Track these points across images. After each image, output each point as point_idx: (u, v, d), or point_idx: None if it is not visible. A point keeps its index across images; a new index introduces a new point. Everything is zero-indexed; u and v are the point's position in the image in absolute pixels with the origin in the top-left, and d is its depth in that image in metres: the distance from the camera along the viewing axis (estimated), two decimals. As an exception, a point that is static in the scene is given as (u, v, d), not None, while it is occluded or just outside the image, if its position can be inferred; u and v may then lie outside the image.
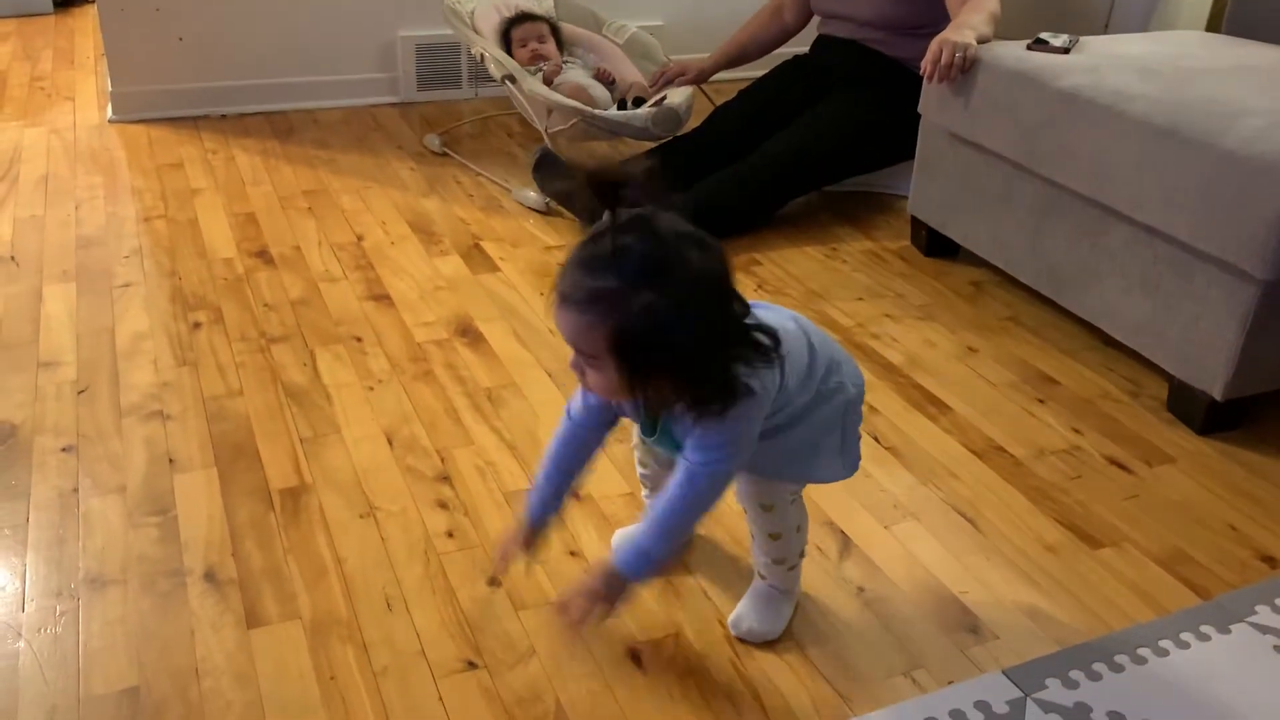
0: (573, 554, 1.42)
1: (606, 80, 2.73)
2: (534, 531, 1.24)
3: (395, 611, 1.31)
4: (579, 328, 1.04)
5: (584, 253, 1.03)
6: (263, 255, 2.21)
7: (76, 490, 1.51)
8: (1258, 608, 1.36)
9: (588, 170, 1.02)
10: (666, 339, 1.02)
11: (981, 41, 2.08)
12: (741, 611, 1.30)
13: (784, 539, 1.26)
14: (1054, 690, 1.22)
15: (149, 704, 1.17)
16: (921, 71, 2.10)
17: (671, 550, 1.16)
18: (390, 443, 1.63)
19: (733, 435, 1.11)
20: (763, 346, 1.08)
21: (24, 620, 1.28)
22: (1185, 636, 1.31)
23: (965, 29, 2.10)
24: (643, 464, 1.39)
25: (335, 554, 1.40)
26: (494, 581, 1.37)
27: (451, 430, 1.67)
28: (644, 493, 1.43)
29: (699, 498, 1.13)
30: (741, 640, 1.29)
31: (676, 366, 1.04)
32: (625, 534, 1.42)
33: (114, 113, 2.96)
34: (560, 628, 1.19)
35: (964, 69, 2.04)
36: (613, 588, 1.14)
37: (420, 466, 1.58)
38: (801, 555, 1.31)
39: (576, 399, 1.23)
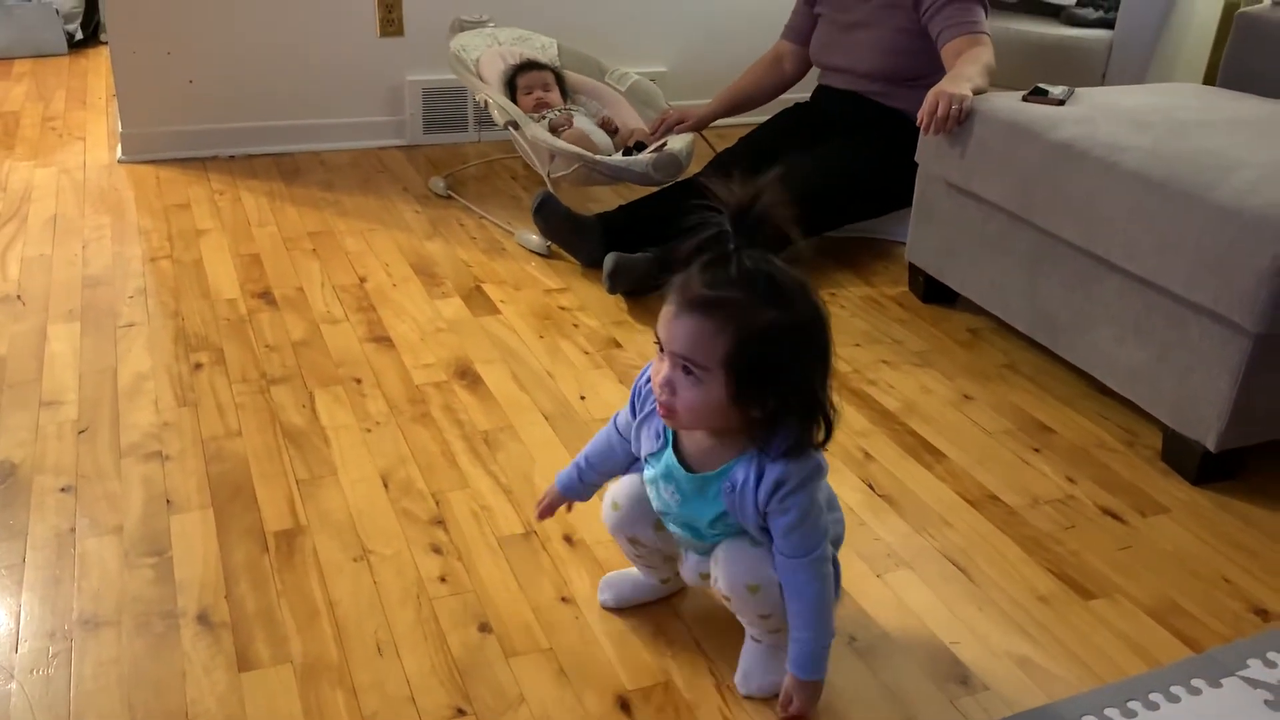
0: (564, 600, 1.42)
1: (610, 129, 2.76)
2: (561, 500, 1.38)
3: (386, 656, 1.31)
4: (699, 334, 1.07)
5: (710, 268, 1.08)
6: (266, 296, 2.24)
7: (74, 530, 1.52)
8: (1249, 661, 1.35)
9: (731, 204, 1.06)
10: (783, 358, 1.07)
11: (977, 93, 2.11)
12: (747, 670, 1.29)
13: (775, 616, 1.23)
14: (1044, 743, 1.22)
15: (138, 747, 1.18)
16: (918, 123, 2.13)
17: (832, 629, 1.21)
18: (386, 485, 1.64)
19: (810, 507, 1.15)
20: (835, 411, 1.13)
21: (16, 661, 1.29)
22: (1176, 690, 1.30)
23: (961, 80, 2.13)
24: (638, 555, 1.36)
25: (328, 597, 1.41)
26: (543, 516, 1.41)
27: (447, 473, 1.68)
28: (638, 569, 1.42)
29: (824, 580, 1.18)
30: (749, 698, 1.27)
31: (786, 387, 1.08)
32: (615, 578, 1.42)
33: (124, 153, 3.00)
34: None
35: (960, 120, 2.07)
36: (814, 694, 1.22)
37: (415, 509, 1.59)
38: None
39: (623, 414, 1.29)
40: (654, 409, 1.21)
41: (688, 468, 1.20)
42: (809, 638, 1.19)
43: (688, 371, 1.09)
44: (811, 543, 1.17)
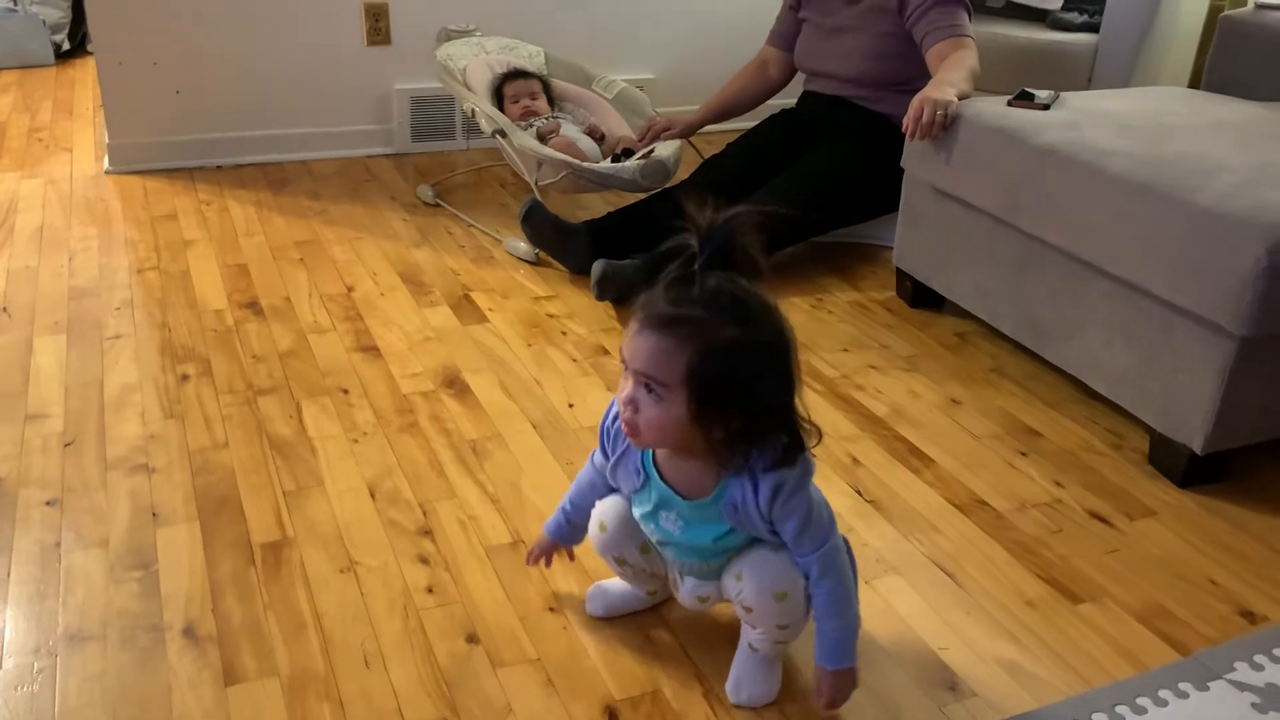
0: (552, 609, 1.42)
1: (596, 136, 2.76)
2: (554, 546, 1.41)
3: (373, 668, 1.31)
4: (659, 351, 1.07)
5: (673, 286, 1.08)
6: (253, 307, 2.23)
7: (59, 544, 1.51)
8: (1236, 664, 1.36)
9: (702, 226, 1.08)
10: (744, 377, 1.07)
11: (962, 98, 2.12)
12: (738, 679, 1.28)
13: (793, 627, 1.23)
14: (1032, 749, 1.22)
15: (123, 763, 1.17)
16: (904, 128, 2.13)
17: (858, 615, 1.22)
18: (373, 495, 1.64)
19: (811, 504, 1.16)
20: (805, 427, 1.14)
21: (1, 678, 1.28)
22: (1164, 694, 1.30)
23: (946, 86, 2.14)
24: (620, 562, 1.34)
25: (315, 609, 1.40)
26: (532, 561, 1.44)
27: (435, 483, 1.68)
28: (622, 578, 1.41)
29: (842, 573, 1.19)
30: (740, 707, 1.27)
31: (748, 406, 1.08)
32: (603, 587, 1.42)
33: (110, 164, 2.99)
34: None
35: (945, 126, 2.07)
36: (848, 682, 1.22)
37: (402, 520, 1.59)
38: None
39: (597, 453, 1.30)
40: (626, 446, 1.21)
41: (681, 495, 1.20)
42: (835, 626, 1.19)
43: (649, 389, 1.09)
44: (821, 537, 1.17)
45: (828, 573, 1.18)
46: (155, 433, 1.78)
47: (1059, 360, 1.96)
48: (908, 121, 2.11)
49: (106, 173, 2.98)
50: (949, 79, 2.17)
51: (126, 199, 2.80)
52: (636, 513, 1.26)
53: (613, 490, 1.31)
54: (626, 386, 1.12)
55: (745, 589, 1.20)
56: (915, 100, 2.10)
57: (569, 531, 1.39)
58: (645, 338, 1.08)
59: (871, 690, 1.31)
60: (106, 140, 3.00)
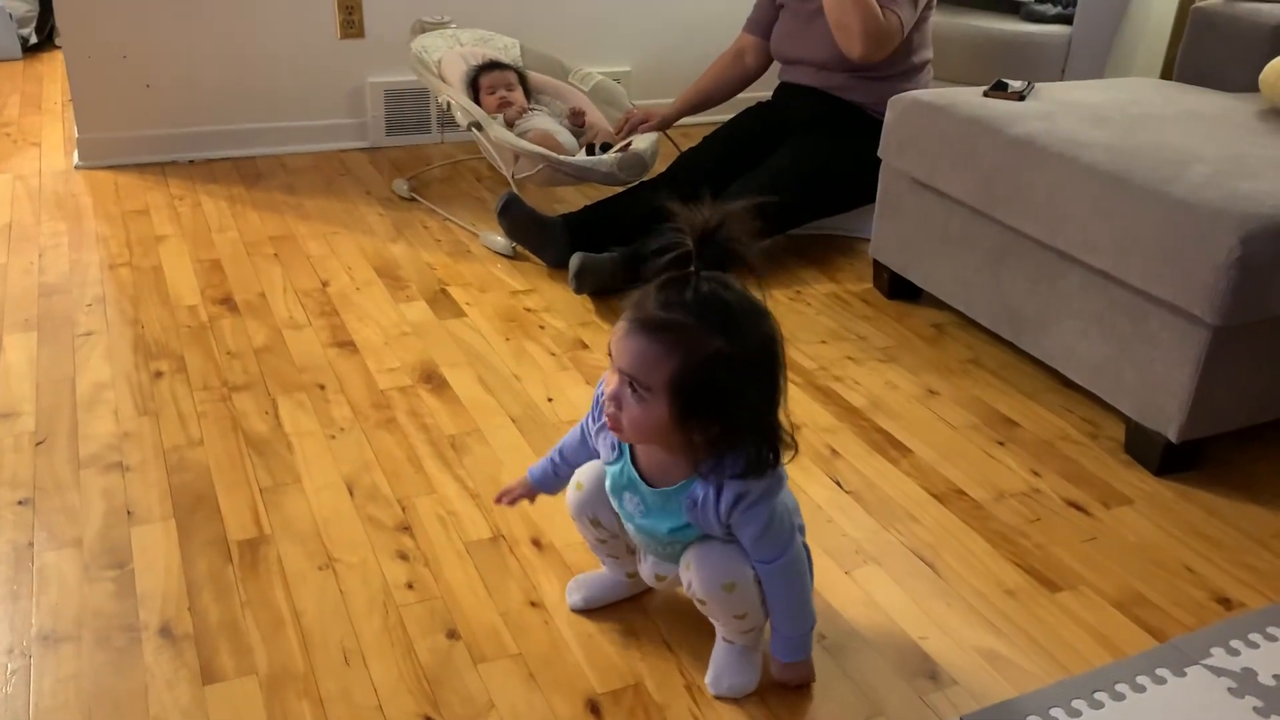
0: (533, 604, 1.41)
1: (579, 122, 2.75)
2: (531, 491, 1.39)
3: (353, 665, 1.30)
4: (645, 355, 1.08)
5: (666, 290, 1.09)
6: (227, 302, 2.21)
7: (31, 544, 1.49)
8: (1213, 650, 1.37)
9: (696, 227, 1.07)
10: (727, 387, 1.07)
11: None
12: (718, 672, 1.29)
13: (750, 615, 1.24)
14: (1012, 737, 1.23)
15: (99, 764, 1.16)
16: None
17: (811, 615, 1.25)
18: (351, 492, 1.63)
19: (773, 516, 1.16)
20: (785, 441, 1.15)
21: (-27, 679, 1.26)
22: (1141, 680, 1.31)
23: None
24: (600, 540, 1.35)
25: (293, 606, 1.39)
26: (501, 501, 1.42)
27: (413, 478, 1.67)
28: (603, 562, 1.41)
29: (799, 579, 1.22)
30: (720, 699, 1.27)
31: (729, 415, 1.09)
32: (583, 579, 1.42)
33: (80, 159, 2.95)
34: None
35: None
36: (802, 671, 1.27)
37: (381, 516, 1.58)
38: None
39: (570, 439, 1.33)
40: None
41: (647, 482, 1.21)
42: (788, 627, 1.23)
43: (633, 389, 1.10)
44: (780, 546, 1.18)
45: (789, 582, 1.21)
46: (129, 430, 1.76)
47: (1036, 351, 1.97)
48: None
49: (76, 168, 2.94)
50: None
51: (97, 194, 2.76)
52: (607, 484, 1.27)
53: (596, 455, 1.32)
54: (613, 381, 1.12)
55: (694, 580, 1.21)
56: None
57: (553, 482, 1.38)
58: (634, 340, 1.08)
59: (852, 680, 1.31)
60: (76, 135, 2.96)
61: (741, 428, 1.11)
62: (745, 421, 1.11)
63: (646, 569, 1.31)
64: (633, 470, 1.22)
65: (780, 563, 1.19)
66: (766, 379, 1.11)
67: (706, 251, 1.08)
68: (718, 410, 1.09)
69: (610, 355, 1.12)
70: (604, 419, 1.19)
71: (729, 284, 1.09)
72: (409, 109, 3.23)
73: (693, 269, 1.09)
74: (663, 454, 1.18)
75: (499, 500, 1.40)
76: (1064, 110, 2.00)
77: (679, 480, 1.18)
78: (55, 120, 3.37)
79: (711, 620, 1.28)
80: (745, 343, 1.08)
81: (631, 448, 1.22)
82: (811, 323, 2.25)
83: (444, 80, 2.77)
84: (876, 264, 2.38)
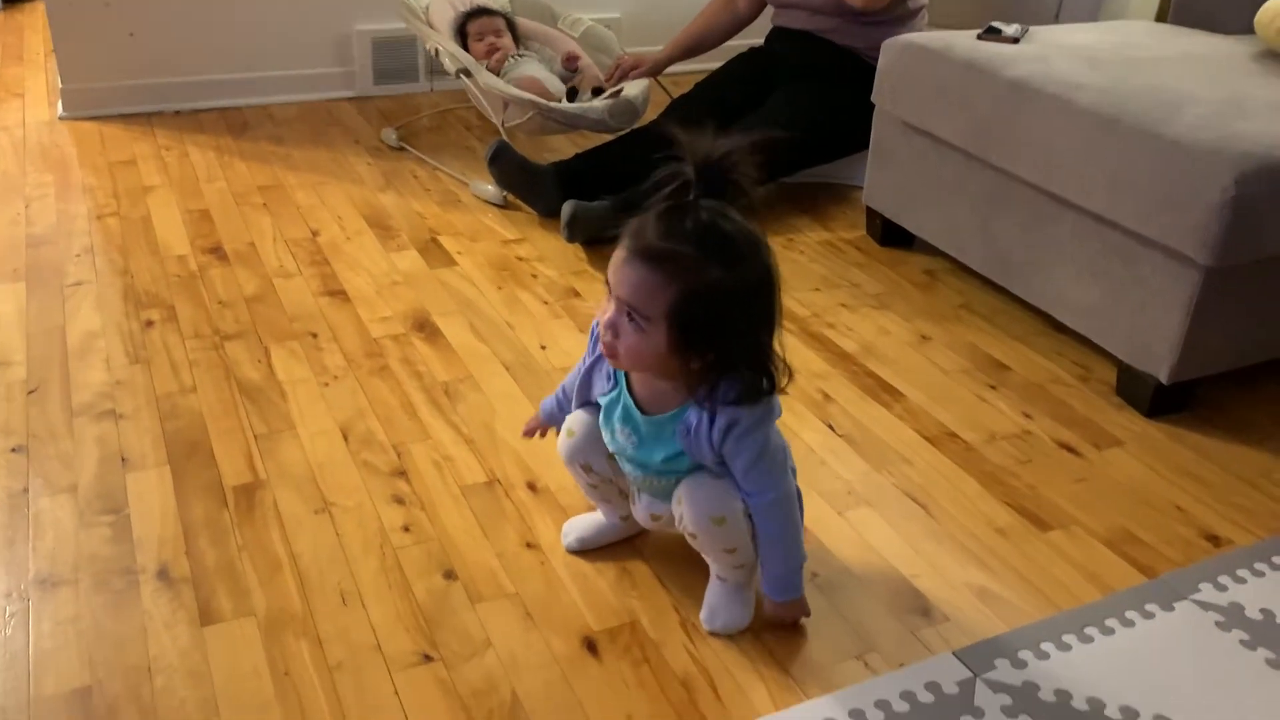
0: (529, 545, 1.42)
1: (572, 66, 2.72)
2: (546, 425, 1.41)
3: (350, 606, 1.31)
4: (645, 284, 1.08)
5: (667, 218, 1.08)
6: (217, 252, 2.20)
7: (26, 490, 1.49)
8: (1201, 585, 1.39)
9: (699, 156, 1.07)
10: (725, 317, 1.08)
11: None
12: (712, 608, 1.30)
13: (740, 550, 1.25)
14: (1003, 670, 1.24)
15: (101, 704, 1.17)
16: None
17: (801, 553, 1.25)
18: (345, 438, 1.63)
19: (765, 446, 1.17)
20: (779, 369, 1.15)
21: (-28, 622, 1.27)
22: (1130, 615, 1.33)
23: None
24: (592, 485, 1.36)
25: (290, 550, 1.40)
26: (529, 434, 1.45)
27: (408, 425, 1.67)
28: (597, 503, 1.42)
29: (789, 516, 1.22)
30: (714, 634, 1.29)
31: (726, 344, 1.10)
32: (578, 521, 1.43)
33: (65, 110, 2.92)
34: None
35: None
36: (793, 610, 1.28)
37: (376, 461, 1.58)
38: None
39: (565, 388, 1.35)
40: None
41: (642, 410, 1.21)
42: (779, 565, 1.24)
43: (631, 318, 1.10)
44: (772, 480, 1.19)
45: (771, 511, 1.21)
46: (121, 379, 1.75)
47: (1028, 295, 1.97)
48: None
49: (61, 119, 2.90)
50: None
51: (83, 145, 2.73)
52: (601, 419, 1.27)
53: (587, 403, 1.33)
54: (610, 309, 1.12)
55: (685, 513, 1.22)
56: None
57: (560, 417, 1.38)
58: (633, 268, 1.08)
59: (845, 617, 1.32)
60: (59, 85, 2.92)
61: (737, 356, 1.12)
62: (741, 350, 1.12)
63: (641, 510, 1.32)
64: (629, 398, 1.22)
65: (771, 498, 1.19)
66: (764, 309, 1.11)
67: (707, 181, 1.08)
68: (715, 339, 1.10)
69: (608, 283, 1.12)
70: (600, 349, 1.19)
71: (728, 214, 1.09)
72: (397, 57, 3.19)
73: (693, 197, 1.08)
74: (658, 381, 1.19)
75: (527, 435, 1.44)
76: (1058, 53, 1.98)
77: (673, 408, 1.19)
78: (38, 71, 3.32)
79: (704, 556, 1.29)
80: (744, 273, 1.08)
81: (627, 377, 1.23)
82: (805, 270, 2.24)
83: (432, 27, 2.74)
84: (869, 211, 2.37)
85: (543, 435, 1.45)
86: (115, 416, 1.66)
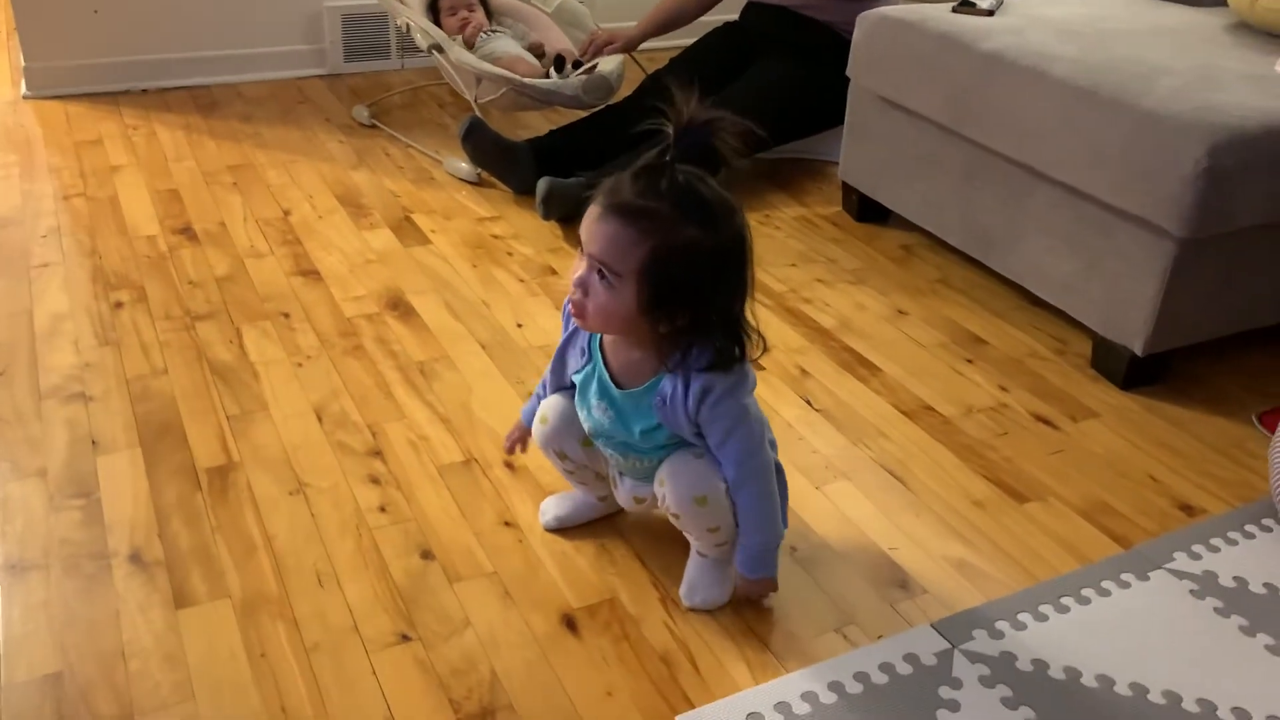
0: (507, 524, 1.42)
1: (538, 54, 2.70)
2: (526, 432, 1.37)
3: (326, 587, 1.30)
4: (618, 240, 1.07)
5: (643, 176, 1.08)
6: (186, 232, 2.17)
7: (-6, 475, 1.47)
8: (1175, 554, 1.40)
9: (682, 119, 1.06)
10: (697, 278, 1.07)
11: None
12: (691, 584, 1.30)
13: (722, 529, 1.24)
14: (980, 641, 1.25)
15: (74, 688, 1.15)
16: None
17: (779, 529, 1.24)
18: (320, 419, 1.61)
19: (741, 415, 1.16)
20: (750, 336, 1.15)
21: (-59, 609, 1.25)
22: (1106, 585, 1.34)
23: None
24: (569, 471, 1.35)
25: (265, 531, 1.38)
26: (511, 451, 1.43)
27: (383, 405, 1.65)
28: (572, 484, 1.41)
29: (766, 486, 1.21)
30: (694, 610, 1.28)
31: (698, 307, 1.09)
32: (556, 499, 1.42)
33: (28, 89, 2.86)
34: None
35: None
36: (763, 589, 1.26)
37: (351, 442, 1.56)
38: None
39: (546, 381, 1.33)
40: (577, 326, 1.21)
41: (617, 384, 1.21)
42: (755, 539, 1.23)
43: (602, 275, 1.09)
44: (748, 449, 1.18)
45: (747, 482, 1.20)
46: (90, 361, 1.73)
47: (1004, 269, 1.97)
48: None
49: (25, 98, 2.85)
50: None
51: (47, 125, 2.68)
52: (576, 397, 1.26)
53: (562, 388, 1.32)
54: (580, 267, 1.11)
55: (667, 494, 1.22)
56: None
57: None
58: (607, 223, 1.07)
59: (824, 590, 1.33)
60: (22, 64, 2.86)
61: (708, 320, 1.11)
62: (713, 314, 1.11)
63: (624, 493, 1.31)
64: (604, 371, 1.21)
65: (747, 469, 1.19)
66: (736, 273, 1.11)
67: (687, 143, 1.07)
68: (686, 301, 1.09)
69: (580, 241, 1.11)
70: (573, 324, 1.18)
71: (705, 179, 1.09)
72: (368, 34, 3.15)
73: (669, 159, 1.07)
74: (632, 351, 1.18)
75: (509, 450, 1.42)
76: (1033, 25, 1.98)
77: (648, 379, 1.18)
78: (0, 49, 3.26)
79: (686, 534, 1.29)
80: (718, 235, 1.07)
81: (602, 351, 1.22)
82: (781, 246, 2.24)
83: (403, 2, 2.70)
84: (845, 186, 2.36)
85: (524, 449, 1.42)
86: (85, 399, 1.63)
